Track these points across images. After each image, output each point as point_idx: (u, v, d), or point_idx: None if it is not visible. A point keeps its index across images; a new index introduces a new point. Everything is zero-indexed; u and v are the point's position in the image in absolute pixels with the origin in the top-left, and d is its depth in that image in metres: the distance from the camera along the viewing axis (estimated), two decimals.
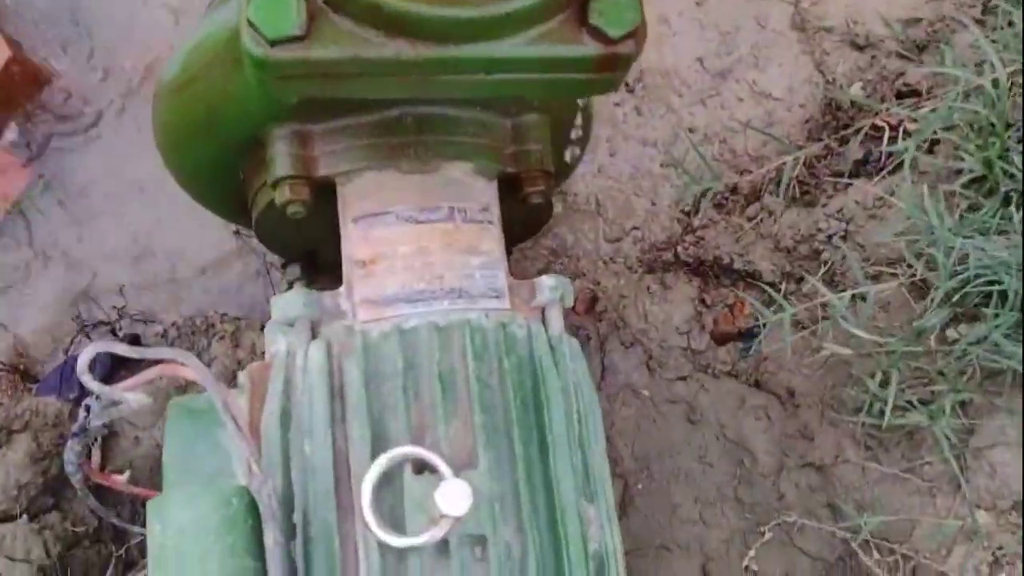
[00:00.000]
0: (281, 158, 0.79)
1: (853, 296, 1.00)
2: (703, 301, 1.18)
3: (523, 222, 0.92)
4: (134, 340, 1.07)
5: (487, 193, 0.82)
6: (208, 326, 1.11)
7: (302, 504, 0.72)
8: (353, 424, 0.73)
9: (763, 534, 1.03)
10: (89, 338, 1.17)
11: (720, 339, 1.16)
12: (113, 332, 1.17)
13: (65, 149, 1.27)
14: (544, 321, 0.81)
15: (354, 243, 0.78)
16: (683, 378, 1.13)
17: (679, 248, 1.22)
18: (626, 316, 1.17)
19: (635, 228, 1.26)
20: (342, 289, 0.77)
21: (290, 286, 0.99)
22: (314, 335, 0.76)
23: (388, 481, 0.70)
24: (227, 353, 1.09)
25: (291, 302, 0.75)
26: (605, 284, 1.20)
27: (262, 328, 1.10)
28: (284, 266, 0.98)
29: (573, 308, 1.20)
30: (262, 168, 0.81)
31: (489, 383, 0.75)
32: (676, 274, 1.20)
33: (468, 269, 0.78)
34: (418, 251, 0.77)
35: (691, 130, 1.30)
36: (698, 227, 1.23)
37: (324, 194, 0.80)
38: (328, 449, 0.72)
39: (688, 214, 1.25)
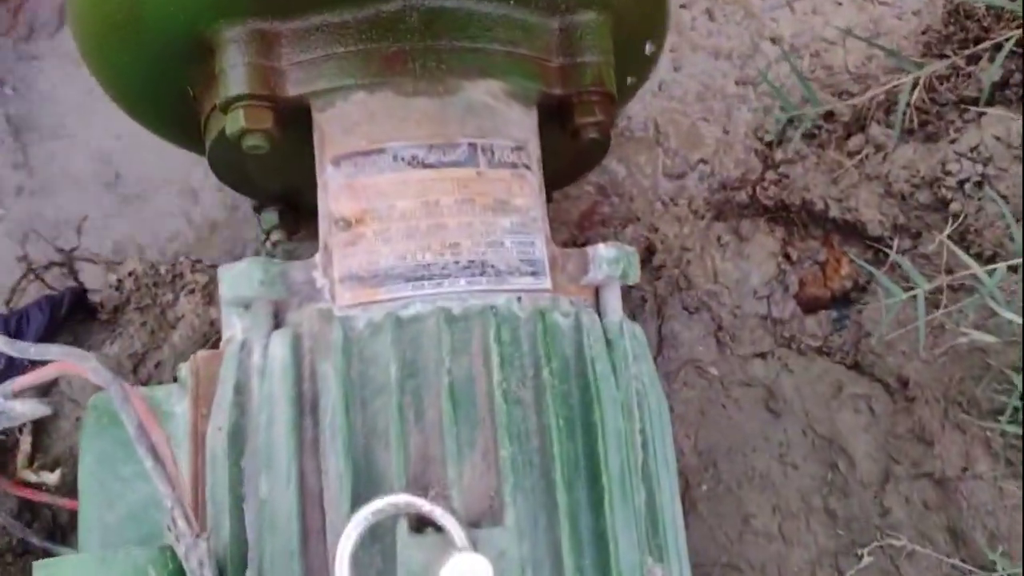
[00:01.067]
0: (233, 71, 0.56)
1: (992, 264, 0.76)
2: (787, 256, 0.95)
3: (570, 162, 0.69)
4: (79, 296, 0.87)
5: (524, 125, 0.59)
6: (175, 276, 0.90)
7: (257, 561, 0.51)
8: (329, 454, 0.52)
9: (861, 557, 0.82)
10: (43, 280, 0.96)
11: (808, 305, 0.93)
12: (74, 276, 0.96)
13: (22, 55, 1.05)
14: (598, 306, 0.59)
15: (334, 194, 0.56)
16: (761, 355, 0.90)
17: (758, 188, 0.98)
18: (690, 273, 0.94)
19: (703, 161, 1.02)
20: (318, 258, 0.55)
21: (267, 236, 0.77)
22: (278, 323, 0.55)
23: (375, 538, 0.50)
24: (197, 311, 0.88)
25: (243, 276, 0.53)
26: (664, 232, 0.97)
27: None
28: (257, 210, 0.76)
29: None
30: (212, 83, 0.58)
31: (521, 398, 0.53)
32: (754, 221, 0.97)
33: (495, 234, 0.55)
34: (424, 207, 0.55)
35: (775, 40, 1.05)
36: (782, 162, 0.99)
37: (296, 121, 0.57)
38: (293, 489, 0.51)
39: (770, 145, 1.01)
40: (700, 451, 0.87)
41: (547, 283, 0.56)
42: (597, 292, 0.59)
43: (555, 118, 0.61)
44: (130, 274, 0.89)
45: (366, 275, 0.54)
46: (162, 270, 0.90)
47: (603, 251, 0.57)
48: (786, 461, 0.86)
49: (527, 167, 0.58)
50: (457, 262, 0.54)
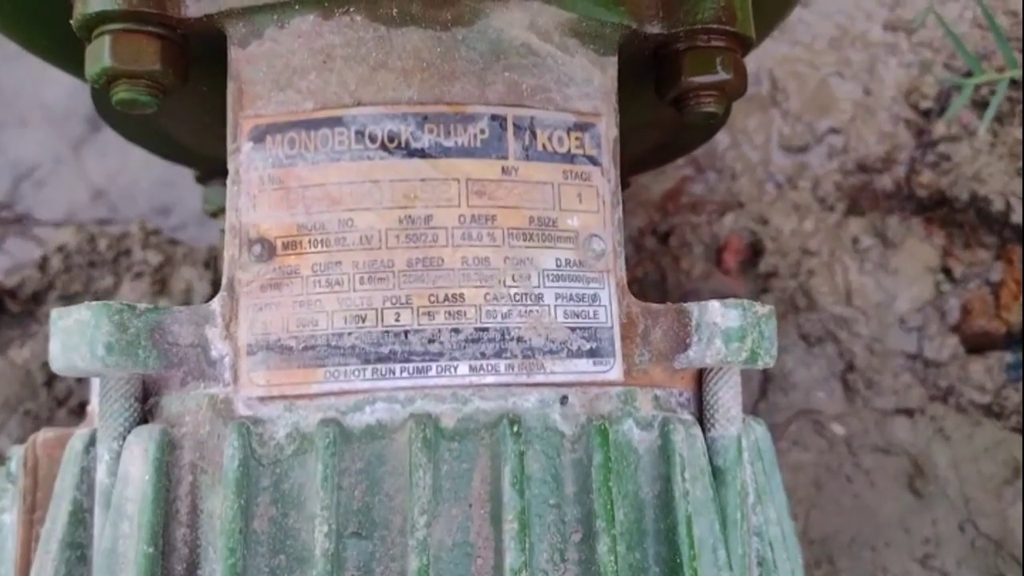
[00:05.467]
0: None
1: None
2: (948, 273, 0.69)
3: (665, 140, 0.45)
4: None
5: (594, 86, 0.34)
6: (120, 253, 0.68)
7: None
8: None
9: None
10: None
11: (975, 343, 0.68)
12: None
13: None
14: (701, 404, 0.34)
15: (251, 194, 0.32)
16: (907, 411, 0.66)
17: (910, 174, 0.73)
18: (812, 288, 0.69)
19: (834, 131, 0.77)
20: (216, 305, 0.32)
21: (213, 216, 0.54)
22: (148, 408, 0.32)
23: None
24: (146, 301, 0.66)
25: (81, 334, 0.30)
26: (777, 225, 0.72)
27: (208, 264, 0.67)
28: (201, 181, 0.53)
29: (719, 263, 0.73)
30: None
31: None
32: (903, 219, 0.71)
33: (529, 280, 0.31)
34: (405, 227, 0.31)
35: None
36: (943, 139, 0.73)
37: (209, 60, 0.34)
38: None
39: (927, 115, 0.75)
40: (812, 539, 0.63)
41: (616, 369, 0.32)
42: (700, 376, 0.35)
43: (646, 73, 0.36)
44: (59, 249, 0.67)
45: (294, 345, 0.30)
46: (102, 244, 0.68)
47: (717, 314, 0.33)
48: (932, 565, 0.62)
49: (593, 161, 0.33)
50: (456, 330, 0.30)
